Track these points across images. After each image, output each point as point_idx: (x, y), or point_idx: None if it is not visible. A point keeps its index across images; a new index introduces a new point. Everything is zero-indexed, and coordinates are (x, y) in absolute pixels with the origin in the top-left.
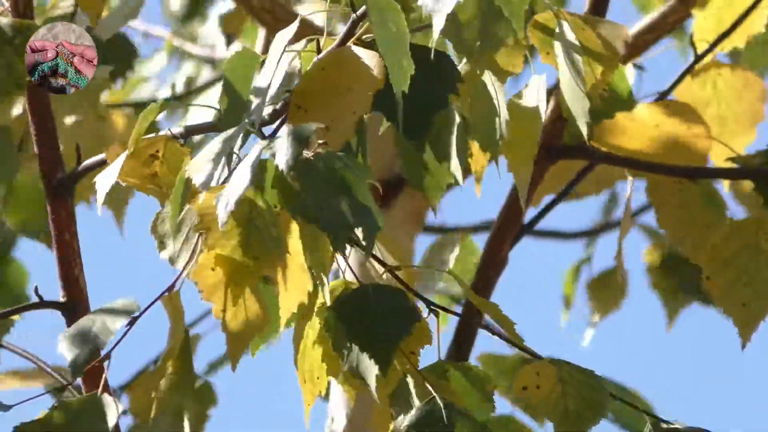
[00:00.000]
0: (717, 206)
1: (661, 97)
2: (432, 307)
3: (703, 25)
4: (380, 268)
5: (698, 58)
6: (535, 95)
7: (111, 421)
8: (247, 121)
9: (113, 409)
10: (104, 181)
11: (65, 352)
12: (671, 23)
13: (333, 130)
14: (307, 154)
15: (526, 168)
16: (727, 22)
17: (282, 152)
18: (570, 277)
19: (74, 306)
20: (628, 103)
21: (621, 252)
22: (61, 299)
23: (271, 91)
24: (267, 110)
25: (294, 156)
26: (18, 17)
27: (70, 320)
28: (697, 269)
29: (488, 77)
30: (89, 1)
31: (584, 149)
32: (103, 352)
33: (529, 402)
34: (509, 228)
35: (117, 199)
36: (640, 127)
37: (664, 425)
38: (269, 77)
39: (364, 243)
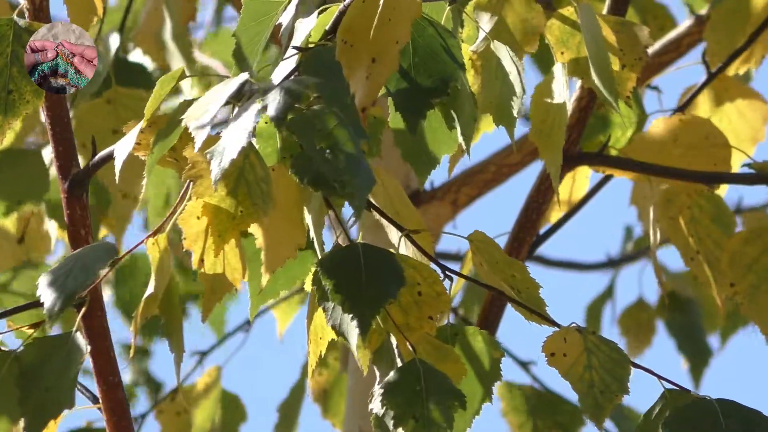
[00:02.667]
0: (726, 224)
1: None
2: (447, 272)
3: (715, 46)
4: (396, 233)
5: (711, 76)
6: (558, 83)
7: (78, 363)
8: (247, 72)
9: (82, 349)
10: (122, 151)
11: (43, 296)
12: (686, 45)
13: (378, 62)
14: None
15: (556, 155)
16: (739, 41)
17: (273, 106)
18: (593, 311)
19: (89, 303)
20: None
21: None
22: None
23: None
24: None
25: (284, 110)
26: (34, 10)
27: (85, 317)
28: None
29: (506, 53)
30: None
31: (601, 156)
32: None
33: (558, 370)
34: (526, 235)
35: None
36: (659, 143)
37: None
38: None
39: (356, 200)
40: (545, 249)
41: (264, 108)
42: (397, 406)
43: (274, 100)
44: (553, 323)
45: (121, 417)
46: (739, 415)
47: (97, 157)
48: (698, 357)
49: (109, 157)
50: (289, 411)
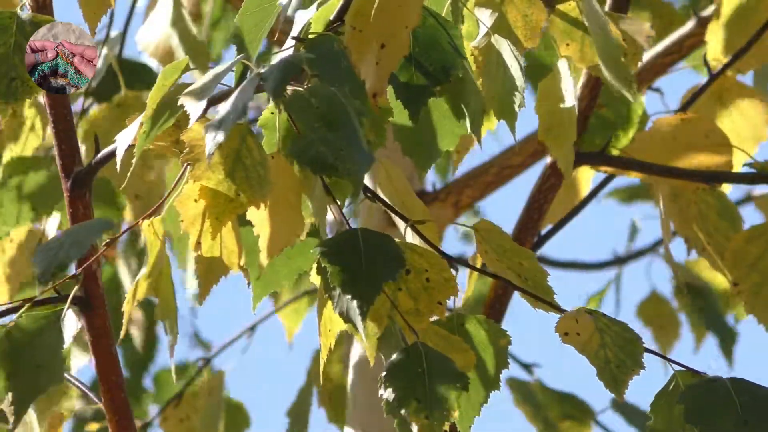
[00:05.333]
0: (732, 219)
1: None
2: (453, 262)
3: (716, 45)
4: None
5: (712, 78)
6: (563, 79)
7: (68, 339)
8: (242, 54)
9: (72, 327)
10: (123, 139)
11: (36, 265)
12: (688, 47)
13: (388, 47)
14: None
15: (567, 151)
16: (739, 42)
17: (270, 81)
18: (593, 303)
19: (91, 301)
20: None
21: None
22: (78, 293)
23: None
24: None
25: (281, 83)
26: (37, 8)
27: (87, 315)
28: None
29: (507, 47)
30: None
31: (603, 155)
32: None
33: (574, 347)
34: (527, 236)
35: None
36: (660, 142)
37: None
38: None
39: (354, 177)
40: (548, 250)
41: (261, 80)
42: (399, 388)
43: (270, 74)
44: (560, 310)
45: (123, 416)
46: (750, 393)
47: (99, 155)
48: (727, 335)
49: (112, 155)
50: (298, 415)
